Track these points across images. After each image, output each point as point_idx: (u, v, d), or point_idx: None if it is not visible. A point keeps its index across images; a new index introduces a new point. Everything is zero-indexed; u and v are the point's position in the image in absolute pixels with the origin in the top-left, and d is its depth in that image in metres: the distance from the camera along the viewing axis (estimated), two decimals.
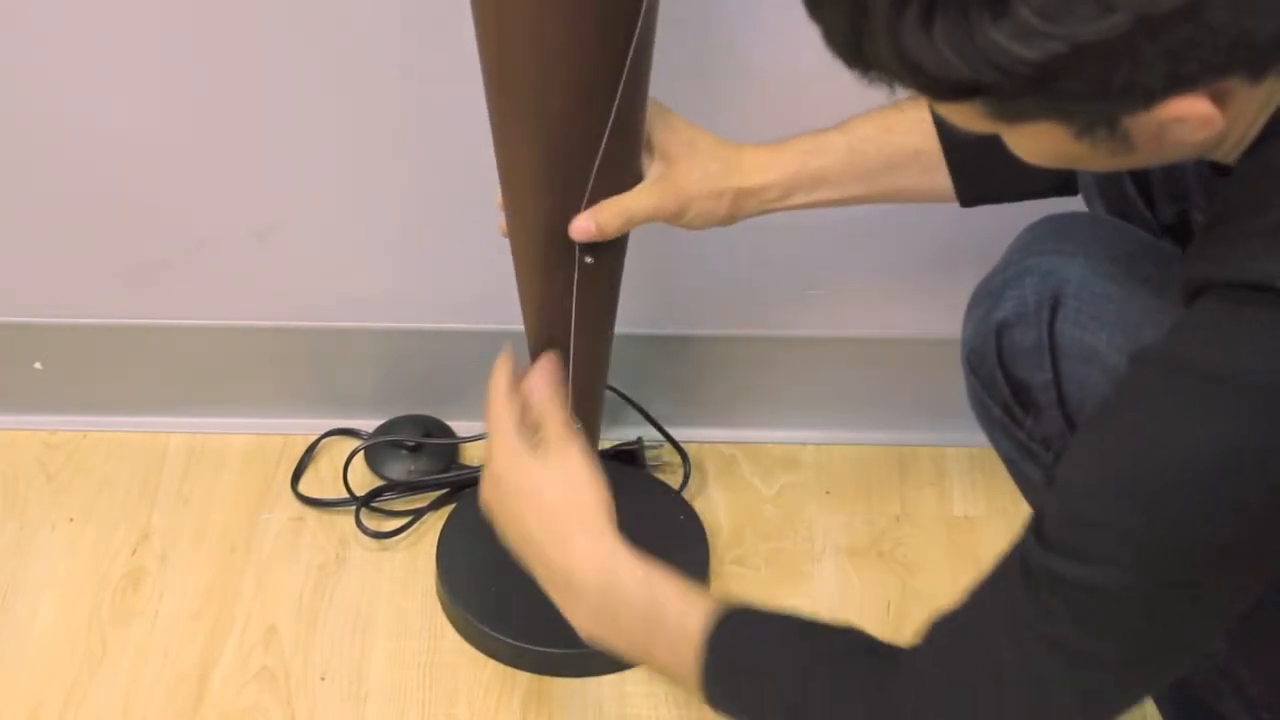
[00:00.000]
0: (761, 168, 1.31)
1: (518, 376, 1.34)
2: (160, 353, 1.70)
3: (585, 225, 1.28)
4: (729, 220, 1.33)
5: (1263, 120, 0.95)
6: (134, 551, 1.63)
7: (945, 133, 1.29)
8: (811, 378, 1.70)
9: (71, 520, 1.66)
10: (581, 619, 1.21)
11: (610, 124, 1.22)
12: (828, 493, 1.69)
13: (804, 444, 1.73)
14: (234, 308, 1.66)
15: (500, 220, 1.34)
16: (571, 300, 1.32)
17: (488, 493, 1.29)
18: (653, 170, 1.31)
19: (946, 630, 1.05)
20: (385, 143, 1.54)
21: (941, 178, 1.30)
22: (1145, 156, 0.96)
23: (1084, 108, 0.91)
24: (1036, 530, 1.00)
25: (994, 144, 1.00)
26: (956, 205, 1.32)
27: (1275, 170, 0.96)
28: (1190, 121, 0.91)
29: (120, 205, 1.59)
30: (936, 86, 0.90)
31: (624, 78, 1.19)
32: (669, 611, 1.15)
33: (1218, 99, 0.90)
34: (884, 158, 1.31)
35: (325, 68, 1.49)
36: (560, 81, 1.19)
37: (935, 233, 1.53)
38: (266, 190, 1.58)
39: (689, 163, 1.30)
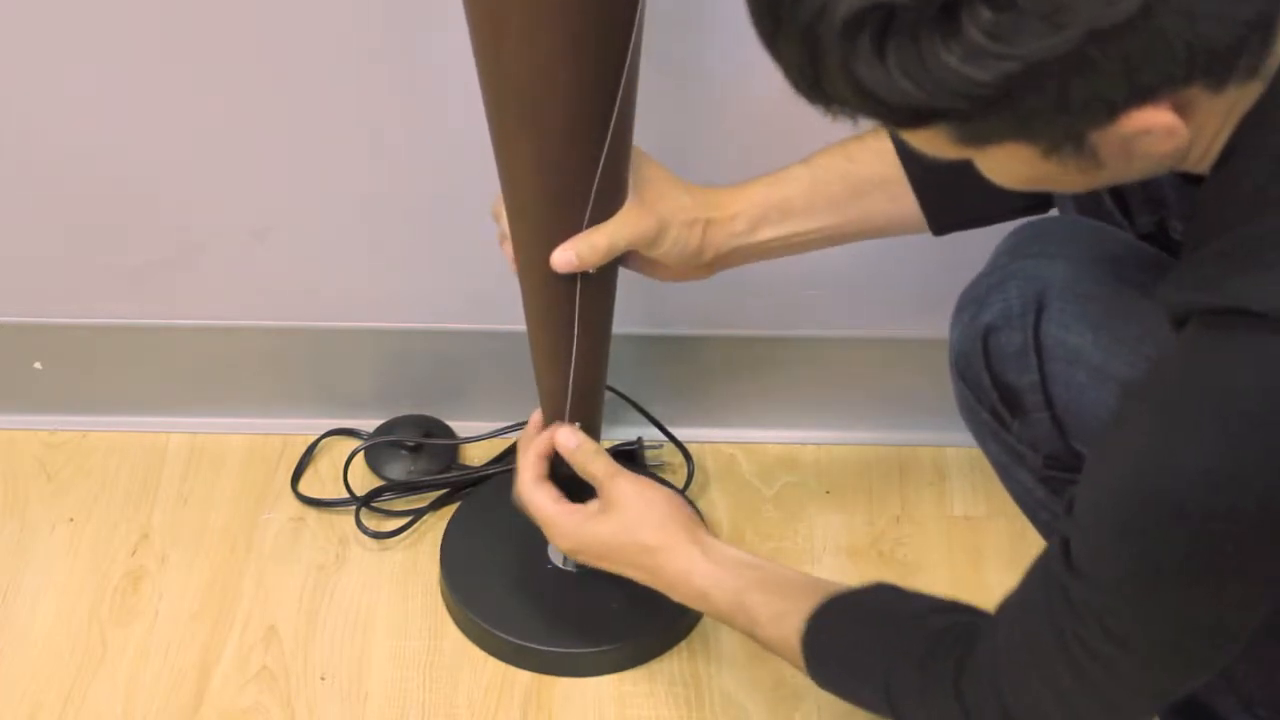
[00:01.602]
0: (728, 201, 1.33)
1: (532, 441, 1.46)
2: (160, 353, 1.70)
3: (566, 257, 1.29)
4: (701, 253, 1.33)
5: (1227, 131, 0.96)
6: (134, 551, 1.63)
7: (909, 160, 1.30)
8: (811, 378, 1.70)
9: (71, 520, 1.66)
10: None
11: (610, 133, 1.22)
12: (828, 493, 1.69)
13: (804, 444, 1.73)
14: (234, 308, 1.66)
15: (500, 230, 1.35)
16: (574, 306, 1.32)
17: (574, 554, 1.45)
18: (627, 202, 1.32)
19: (1011, 626, 1.11)
20: (384, 143, 1.54)
21: (910, 205, 1.31)
22: (1115, 172, 0.97)
23: (1047, 126, 0.91)
24: (1064, 552, 1.04)
25: (959, 170, 1.02)
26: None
27: (1240, 186, 0.96)
28: (1155, 133, 0.91)
29: (120, 205, 1.59)
30: (896, 115, 0.91)
31: (621, 86, 1.20)
32: (764, 621, 1.29)
33: (1180, 109, 0.91)
34: (848, 186, 1.32)
35: (324, 68, 1.49)
36: (559, 94, 1.19)
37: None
38: (266, 190, 1.58)
39: (660, 192, 1.31)
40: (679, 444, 1.69)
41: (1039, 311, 1.22)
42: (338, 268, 1.64)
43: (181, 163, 1.56)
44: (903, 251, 1.59)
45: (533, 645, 1.52)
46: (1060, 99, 0.88)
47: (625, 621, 1.52)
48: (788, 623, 1.26)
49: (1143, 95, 0.89)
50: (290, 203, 1.59)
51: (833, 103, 0.92)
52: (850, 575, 1.61)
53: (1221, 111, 0.94)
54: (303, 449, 1.71)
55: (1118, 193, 1.26)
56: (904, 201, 1.31)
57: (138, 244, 1.62)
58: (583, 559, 1.43)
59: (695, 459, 1.69)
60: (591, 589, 1.53)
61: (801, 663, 1.26)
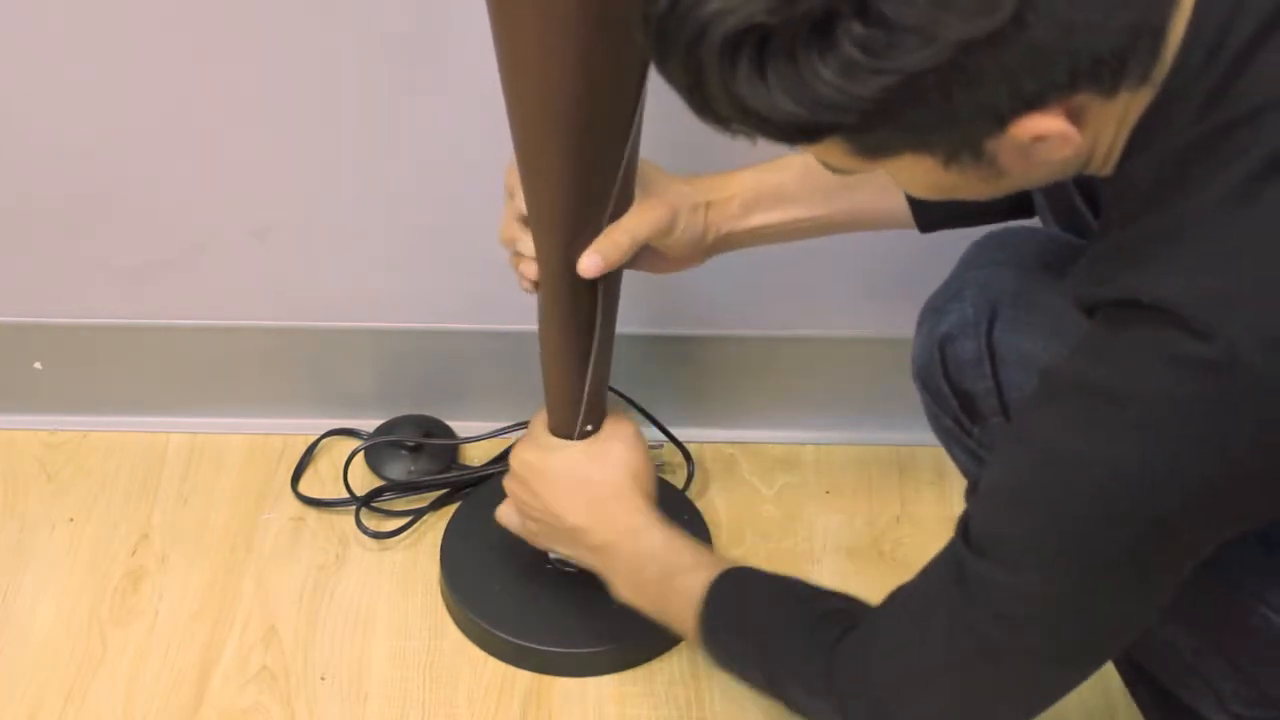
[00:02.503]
0: (723, 184, 1.34)
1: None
2: (160, 353, 1.70)
3: (592, 261, 1.29)
4: (704, 239, 1.34)
5: (1125, 134, 0.98)
6: (134, 551, 1.63)
7: None
8: (811, 378, 1.70)
9: (71, 520, 1.66)
10: (617, 585, 1.36)
11: (635, 121, 1.22)
12: (828, 493, 1.69)
13: (804, 444, 1.73)
14: (234, 308, 1.66)
15: (512, 252, 1.36)
16: (595, 309, 1.33)
17: (521, 485, 1.43)
18: (637, 198, 1.33)
19: (899, 606, 1.13)
20: (385, 142, 1.54)
21: (898, 200, 1.32)
22: (1018, 179, 0.99)
23: (939, 136, 0.93)
24: (964, 530, 1.06)
25: None
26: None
27: (1136, 185, 0.98)
28: (1051, 140, 0.93)
29: (120, 205, 1.59)
30: (784, 132, 0.93)
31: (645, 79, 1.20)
32: (680, 572, 1.28)
33: (1073, 116, 0.93)
34: (839, 177, 1.33)
35: (325, 68, 1.49)
36: (593, 92, 1.19)
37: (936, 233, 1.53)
38: (266, 190, 1.58)
39: (662, 183, 1.33)
40: (679, 444, 1.69)
41: (992, 319, 1.25)
42: (338, 268, 1.64)
43: (181, 163, 1.56)
44: (904, 252, 1.59)
45: (533, 645, 1.52)
46: (946, 110, 0.90)
47: (625, 621, 1.52)
48: (700, 574, 1.26)
49: (1029, 103, 0.91)
50: (290, 203, 1.59)
51: (726, 122, 0.94)
52: (850, 575, 1.61)
53: (1116, 117, 0.96)
54: (303, 449, 1.71)
55: (1090, 198, 1.27)
56: (892, 196, 1.32)
57: (138, 244, 1.62)
58: (532, 490, 1.42)
59: (695, 459, 1.69)
60: (592, 589, 1.52)
61: (695, 616, 1.25)
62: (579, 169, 1.24)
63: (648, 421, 1.68)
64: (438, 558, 1.60)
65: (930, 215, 1.32)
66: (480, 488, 1.66)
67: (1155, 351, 0.95)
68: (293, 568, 1.62)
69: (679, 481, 1.67)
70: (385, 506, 1.66)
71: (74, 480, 1.70)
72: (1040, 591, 1.03)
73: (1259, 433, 0.94)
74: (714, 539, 1.62)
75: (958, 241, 1.39)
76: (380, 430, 1.71)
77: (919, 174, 0.98)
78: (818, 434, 1.74)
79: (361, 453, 1.68)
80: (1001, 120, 0.91)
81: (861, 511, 1.68)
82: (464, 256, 1.60)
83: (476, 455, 1.71)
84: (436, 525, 1.64)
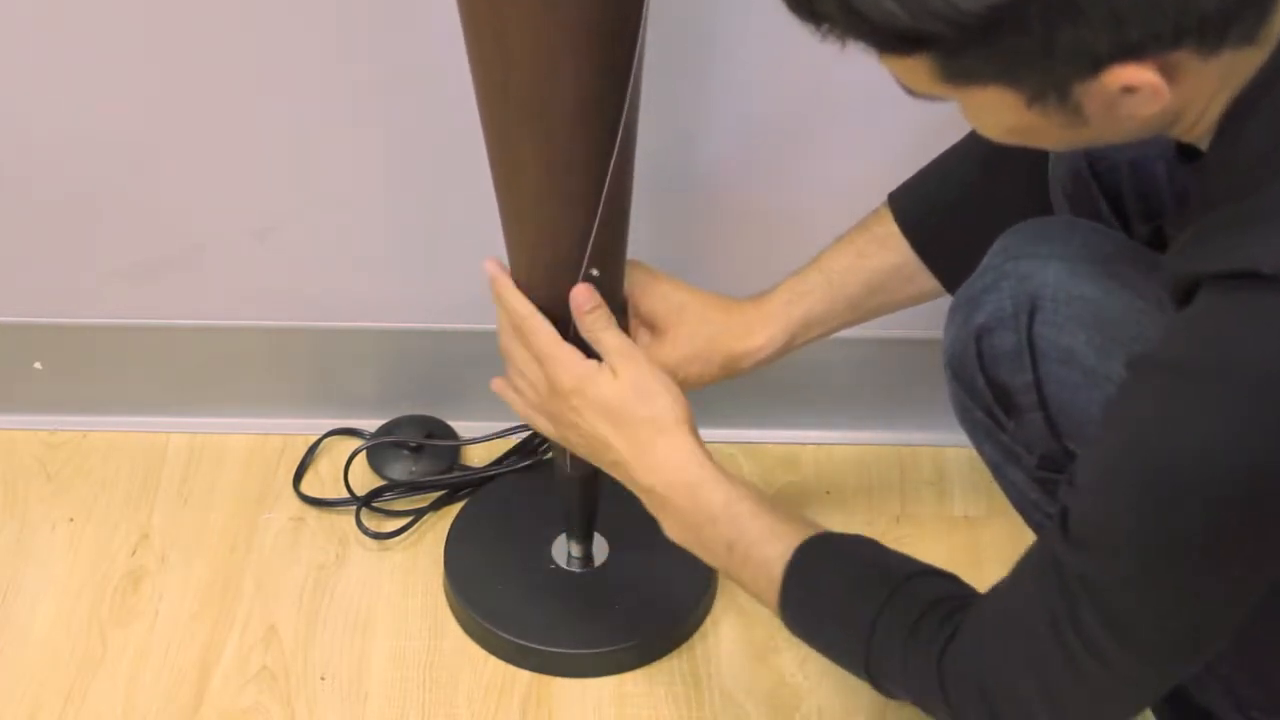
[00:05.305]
0: (750, 328, 1.37)
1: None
2: (160, 353, 1.70)
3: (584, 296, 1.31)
4: (722, 378, 1.37)
5: (1224, 98, 0.96)
6: (134, 551, 1.63)
7: (915, 235, 1.34)
8: (811, 378, 1.70)
9: (71, 520, 1.66)
10: (669, 529, 1.28)
11: (620, 133, 1.21)
12: (828, 493, 1.69)
13: (804, 444, 1.73)
14: (234, 308, 1.66)
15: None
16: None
17: (552, 408, 1.32)
18: (640, 339, 1.35)
19: (1000, 611, 1.10)
20: (385, 142, 1.54)
21: (924, 279, 1.35)
22: (1099, 131, 0.97)
23: (1031, 70, 0.92)
24: (1063, 525, 1.04)
25: (961, 224, 1.04)
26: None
27: (1248, 152, 0.96)
28: (1141, 92, 0.92)
29: (121, 205, 1.59)
30: (883, 38, 0.92)
31: (631, 80, 1.19)
32: (749, 543, 1.23)
33: (1166, 72, 0.92)
34: (863, 283, 1.37)
35: (325, 68, 1.49)
36: (565, 87, 1.19)
37: None
38: (266, 190, 1.58)
39: (675, 333, 1.35)
40: None
41: (1032, 312, 1.22)
42: (338, 268, 1.64)
43: (181, 163, 1.56)
44: None
45: (534, 645, 1.52)
46: (1045, 42, 0.89)
47: (626, 622, 1.52)
48: (774, 546, 1.22)
49: (1127, 51, 0.90)
50: (290, 203, 1.59)
51: (822, 21, 0.93)
52: None
53: (1215, 77, 0.95)
54: (303, 449, 1.71)
55: (1116, 204, 1.26)
56: (918, 278, 1.35)
57: (138, 244, 1.62)
58: (568, 416, 1.31)
59: None
60: (594, 590, 1.53)
61: (776, 594, 1.21)
62: (553, 177, 1.24)
63: None
64: (438, 558, 1.60)
65: (956, 276, 1.29)
66: (485, 488, 1.66)
67: (1277, 322, 0.92)
68: (293, 568, 1.62)
69: None
70: (386, 507, 1.66)
71: (74, 480, 1.70)
72: (1141, 581, 1.00)
73: None
74: None
75: None
76: (382, 430, 1.71)
77: (1000, 111, 0.97)
78: (818, 434, 1.73)
79: (363, 453, 1.68)
80: (1097, 64, 0.90)
81: (861, 511, 1.68)
82: (464, 256, 1.59)
83: (478, 456, 1.71)
84: (437, 526, 1.64)
